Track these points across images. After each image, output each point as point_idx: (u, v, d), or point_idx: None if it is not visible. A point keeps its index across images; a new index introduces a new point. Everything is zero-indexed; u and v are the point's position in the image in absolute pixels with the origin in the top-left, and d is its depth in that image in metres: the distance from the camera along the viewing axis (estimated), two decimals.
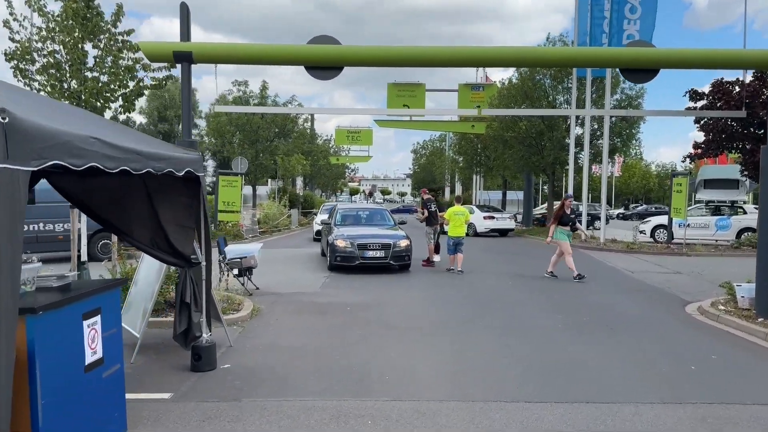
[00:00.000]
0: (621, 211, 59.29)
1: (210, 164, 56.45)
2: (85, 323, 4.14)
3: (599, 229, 34.58)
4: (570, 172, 24.55)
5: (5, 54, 10.33)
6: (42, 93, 10.07)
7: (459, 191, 59.26)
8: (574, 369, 6.43)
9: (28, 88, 9.93)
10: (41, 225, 15.05)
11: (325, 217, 19.70)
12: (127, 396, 5.53)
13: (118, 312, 4.71)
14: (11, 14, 10.35)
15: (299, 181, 41.09)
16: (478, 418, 5.04)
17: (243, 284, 10.99)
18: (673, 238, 21.76)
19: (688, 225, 21.68)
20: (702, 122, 23.81)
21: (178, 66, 8.84)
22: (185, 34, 8.93)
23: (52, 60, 10.05)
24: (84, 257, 10.22)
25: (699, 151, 25.10)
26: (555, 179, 29.42)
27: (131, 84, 10.62)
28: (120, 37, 10.49)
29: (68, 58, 10.01)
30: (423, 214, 15.87)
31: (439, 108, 32.43)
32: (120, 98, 10.69)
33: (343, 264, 13.72)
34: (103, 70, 10.40)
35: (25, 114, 3.26)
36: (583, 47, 9.01)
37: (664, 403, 5.39)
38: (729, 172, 23.83)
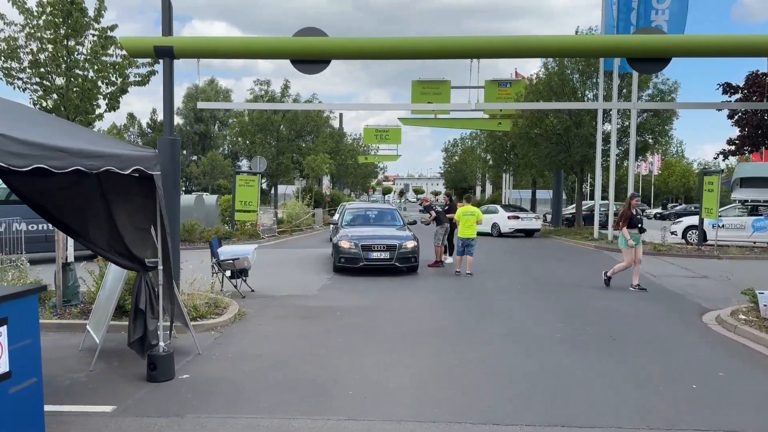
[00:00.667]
0: (659, 210, 57.36)
1: (244, 165, 57.03)
2: None
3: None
4: (597, 169, 23.60)
5: None
6: (26, 91, 9.95)
7: (489, 191, 58.29)
8: (560, 386, 5.84)
9: (11, 87, 9.83)
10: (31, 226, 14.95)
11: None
12: (67, 408, 5.24)
13: (35, 321, 4.35)
14: None
15: (326, 180, 40.85)
16: None
17: (236, 286, 10.66)
18: (705, 240, 20.67)
19: (722, 226, 20.57)
20: (736, 117, 22.72)
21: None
22: (167, 28, 8.64)
23: (35, 58, 9.87)
24: (71, 258, 10.05)
25: (733, 147, 24.08)
26: (583, 178, 28.39)
27: (119, 81, 10.40)
28: (103, 33, 10.27)
29: (54, 55, 9.84)
30: (430, 215, 15.34)
31: (461, 103, 31.88)
32: (105, 97, 10.47)
33: (347, 266, 13.30)
34: (94, 67, 10.18)
35: None
36: (582, 36, 8.34)
37: (649, 429, 4.78)
38: (767, 170, 22.55)
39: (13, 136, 3.99)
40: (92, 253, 6.76)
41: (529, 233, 27.46)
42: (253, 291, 11.01)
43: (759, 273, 14.09)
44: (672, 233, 23.03)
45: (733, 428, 4.84)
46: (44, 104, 9.64)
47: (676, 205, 60.40)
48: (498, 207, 29.42)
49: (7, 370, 3.97)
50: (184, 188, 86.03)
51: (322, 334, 7.92)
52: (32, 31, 9.96)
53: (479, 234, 27.50)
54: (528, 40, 8.23)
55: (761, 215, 21.36)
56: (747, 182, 23.08)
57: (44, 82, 9.85)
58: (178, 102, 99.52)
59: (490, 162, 41.65)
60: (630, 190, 21.57)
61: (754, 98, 20.66)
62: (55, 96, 9.73)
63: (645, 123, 25.70)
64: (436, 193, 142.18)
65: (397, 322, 8.64)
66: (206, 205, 25.81)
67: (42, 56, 9.94)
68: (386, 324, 8.52)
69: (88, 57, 10.24)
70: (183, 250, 18.09)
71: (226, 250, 10.86)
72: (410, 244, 13.41)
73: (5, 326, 3.97)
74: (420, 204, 27.05)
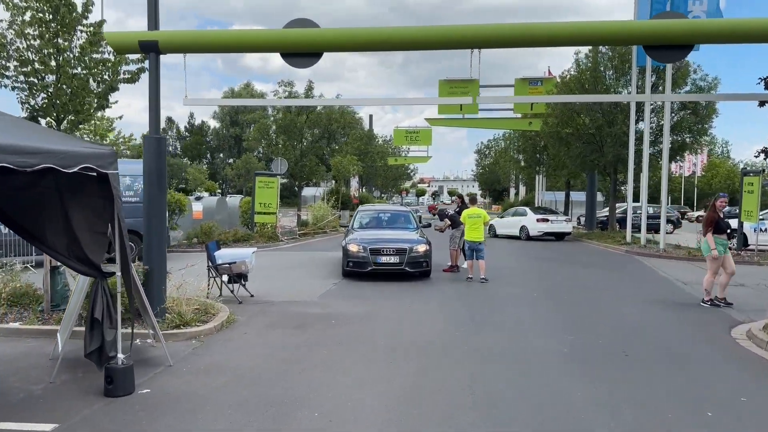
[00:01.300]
0: (701, 213, 55.10)
1: (282, 165, 57.07)
2: None
3: (670, 232, 32.15)
4: (630, 170, 22.52)
5: None
6: (15, 90, 9.71)
7: (523, 192, 57.05)
8: (550, 414, 5.18)
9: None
10: None
11: None
12: (7, 426, 4.85)
13: None
14: None
15: (354, 182, 40.44)
16: None
17: (232, 291, 10.24)
18: (747, 245, 19.43)
19: (764, 229, 19.31)
20: None
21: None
22: (152, 22, 8.27)
23: (20, 55, 9.63)
24: (32, 262, 9.81)
25: None
26: (617, 178, 27.14)
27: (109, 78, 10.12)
28: (89, 29, 9.99)
29: (40, 50, 9.60)
30: (444, 222, 14.70)
31: (489, 96, 30.92)
32: (95, 96, 10.18)
33: (355, 270, 12.76)
34: (82, 64, 9.89)
35: None
36: (591, 22, 7.61)
37: None
38: None
39: None
40: None
41: (559, 237, 26.45)
42: (252, 296, 10.59)
43: None
44: None
45: None
46: (32, 103, 9.43)
47: None
48: (527, 209, 28.47)
49: None
50: (219, 191, 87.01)
51: (308, 345, 7.40)
52: (19, 27, 9.73)
53: (507, 237, 27.09)
54: (532, 28, 7.55)
55: None
56: None
57: (31, 79, 9.63)
58: (214, 106, 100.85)
59: (522, 163, 40.56)
60: (663, 192, 20.49)
61: None
62: (43, 95, 9.50)
63: (682, 121, 24.45)
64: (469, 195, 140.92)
65: (390, 333, 8.06)
66: (229, 207, 25.65)
67: (29, 54, 9.72)
68: (379, 335, 7.95)
69: (77, 54, 9.97)
70: (199, 252, 17.94)
71: (223, 254, 10.45)
72: (422, 248, 12.79)
73: None
74: (428, 210, 26.31)
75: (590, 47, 26.32)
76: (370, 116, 55.14)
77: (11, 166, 4.40)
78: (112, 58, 10.29)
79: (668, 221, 33.53)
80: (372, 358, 6.84)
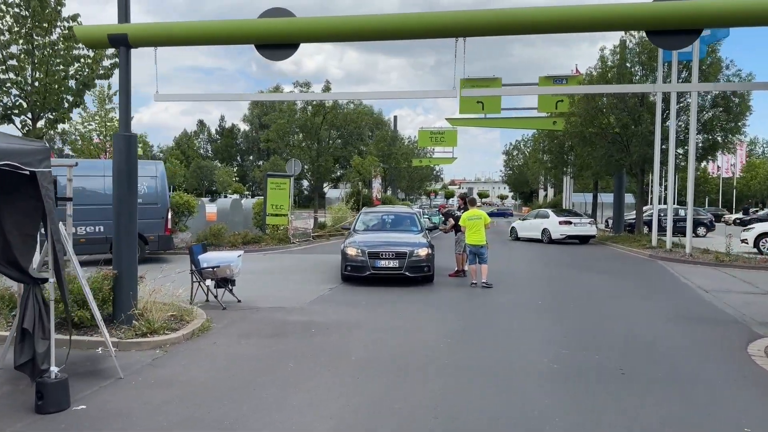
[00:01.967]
0: (739, 215, 52.94)
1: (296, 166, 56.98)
2: None
3: (703, 235, 30.75)
4: (655, 170, 21.52)
5: None
6: None
7: (551, 194, 55.75)
8: None
9: None
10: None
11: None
12: None
13: None
14: None
15: (376, 183, 39.92)
16: None
17: (216, 297, 9.80)
18: None
19: None
20: None
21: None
22: (122, 15, 7.88)
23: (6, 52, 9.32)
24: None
25: None
26: (644, 179, 26.00)
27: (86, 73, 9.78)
28: (65, 23, 9.69)
29: (7, 46, 9.31)
30: (448, 223, 14.07)
31: (512, 86, 29.83)
32: (69, 92, 9.84)
33: (353, 274, 12.22)
34: (55, 60, 9.58)
35: None
36: (584, 6, 6.92)
37: None
38: None
39: None
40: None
41: (583, 240, 25.49)
42: (239, 301, 10.14)
43: None
44: (743, 241, 20.65)
45: None
46: (5, 101, 9.15)
47: (758, 210, 55.75)
48: (549, 211, 27.53)
49: None
50: (248, 192, 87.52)
51: (276, 357, 6.88)
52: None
53: (529, 240, 26.18)
54: (518, 14, 6.86)
55: None
56: None
57: (3, 77, 9.35)
58: (244, 109, 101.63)
59: (548, 164, 39.45)
60: (690, 192, 19.41)
61: None
62: (15, 92, 9.22)
63: (713, 119, 23.26)
64: (502, 197, 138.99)
65: (370, 345, 7.50)
66: (244, 209, 25.40)
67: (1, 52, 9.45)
68: (356, 347, 7.38)
69: (51, 50, 9.66)
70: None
71: (209, 258, 10.02)
72: (423, 252, 12.17)
73: None
74: (437, 210, 25.56)
75: (616, 43, 25.39)
76: (394, 117, 54.52)
77: None
78: (90, 53, 10.00)
79: (701, 224, 32.30)
80: (339, 373, 6.28)
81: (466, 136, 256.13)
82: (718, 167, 59.46)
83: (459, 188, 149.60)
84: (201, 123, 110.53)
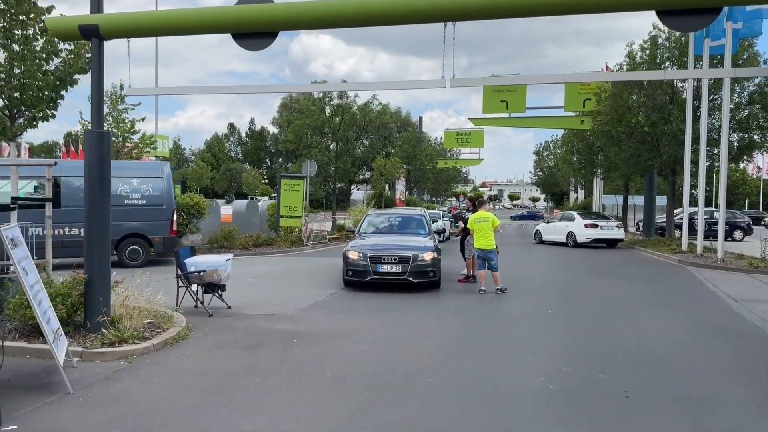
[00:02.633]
0: None
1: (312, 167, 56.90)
2: None
3: (740, 239, 29.27)
4: (686, 170, 20.41)
5: None
6: None
7: (582, 196, 54.29)
8: None
9: None
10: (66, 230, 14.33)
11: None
12: None
13: None
14: None
15: (399, 185, 39.30)
16: None
17: (201, 302, 9.32)
18: None
19: None
20: None
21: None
22: (94, 4, 7.45)
23: None
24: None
25: None
26: (675, 180, 24.75)
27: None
28: (44, 16, 9.32)
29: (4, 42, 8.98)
30: (459, 226, 13.39)
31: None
32: (48, 88, 9.47)
33: (354, 279, 11.63)
34: (28, 54, 9.20)
35: None
36: None
37: None
38: None
39: None
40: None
41: (611, 244, 24.42)
42: (229, 308, 9.65)
43: None
44: None
45: None
46: None
47: None
48: (574, 214, 26.50)
49: None
50: (276, 195, 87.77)
51: (244, 372, 6.32)
52: None
53: (553, 244, 25.23)
54: None
55: None
56: None
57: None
58: (273, 111, 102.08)
59: (576, 164, 38.21)
60: (722, 193, 18.28)
61: None
62: None
63: (749, 117, 22.02)
64: (534, 199, 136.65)
65: (352, 359, 6.88)
66: (260, 211, 25.03)
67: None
68: (336, 360, 6.78)
69: (26, 44, 9.30)
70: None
71: (196, 261, 9.54)
72: (428, 256, 11.49)
73: None
74: (448, 212, 24.75)
75: (646, 38, 24.29)
76: (420, 118, 53.78)
77: None
78: (70, 47, 9.62)
79: (738, 227, 30.79)
80: (306, 392, 5.69)
81: (499, 137, 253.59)
82: (759, 168, 57.13)
83: (490, 190, 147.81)
84: (231, 126, 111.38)
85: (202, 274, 9.26)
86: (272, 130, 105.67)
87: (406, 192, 43.41)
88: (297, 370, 6.39)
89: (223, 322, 8.70)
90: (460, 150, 50.05)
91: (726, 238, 19.70)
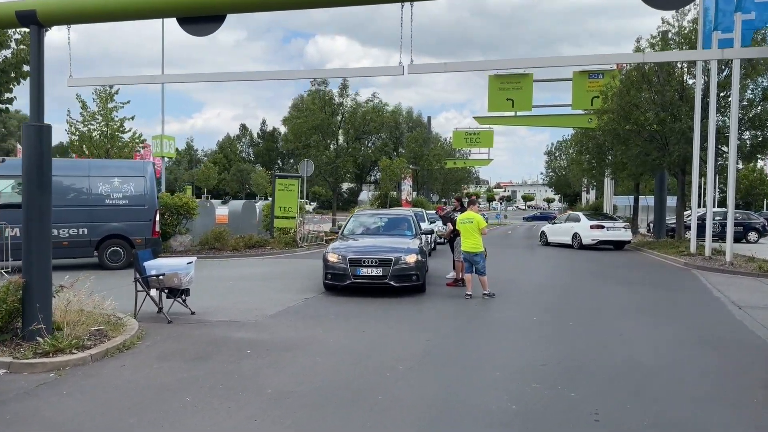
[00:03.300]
0: None
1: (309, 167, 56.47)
2: None
3: (754, 241, 28.22)
4: (694, 169, 19.57)
5: None
6: None
7: (593, 197, 53.25)
8: None
9: None
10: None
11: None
12: None
13: None
14: None
15: (406, 185, 38.69)
16: None
17: (160, 309, 8.78)
18: None
19: None
20: None
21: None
22: None
23: None
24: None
25: None
26: (685, 180, 23.84)
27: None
28: None
29: None
30: (448, 228, 12.77)
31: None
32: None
33: (334, 283, 11.05)
34: None
35: None
36: None
37: None
38: None
39: None
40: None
41: (617, 245, 23.60)
42: (193, 313, 9.12)
43: None
44: None
45: None
46: None
47: None
48: (580, 214, 25.72)
49: None
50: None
51: (180, 386, 5.76)
52: None
53: (559, 245, 24.44)
54: None
55: None
56: None
57: None
58: (284, 111, 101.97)
59: (585, 164, 37.29)
60: (730, 193, 17.43)
61: None
62: None
63: (762, 114, 21.11)
64: (549, 200, 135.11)
65: (302, 371, 6.29)
66: (258, 212, 24.57)
67: None
68: (285, 374, 6.20)
69: None
70: (208, 258, 16.81)
71: (156, 264, 9.00)
72: (411, 259, 10.87)
73: None
74: (436, 213, 24.04)
75: (654, 34, 23.43)
76: (428, 118, 53.14)
77: None
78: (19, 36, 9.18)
79: (752, 229, 29.72)
80: (237, 411, 5.10)
81: (514, 138, 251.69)
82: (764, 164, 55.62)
83: (504, 191, 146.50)
84: (243, 127, 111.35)
85: (161, 278, 8.73)
86: (283, 130, 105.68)
87: (414, 193, 42.77)
88: (237, 385, 5.81)
89: (178, 330, 8.15)
90: (470, 150, 49.29)
91: (740, 240, 18.87)
